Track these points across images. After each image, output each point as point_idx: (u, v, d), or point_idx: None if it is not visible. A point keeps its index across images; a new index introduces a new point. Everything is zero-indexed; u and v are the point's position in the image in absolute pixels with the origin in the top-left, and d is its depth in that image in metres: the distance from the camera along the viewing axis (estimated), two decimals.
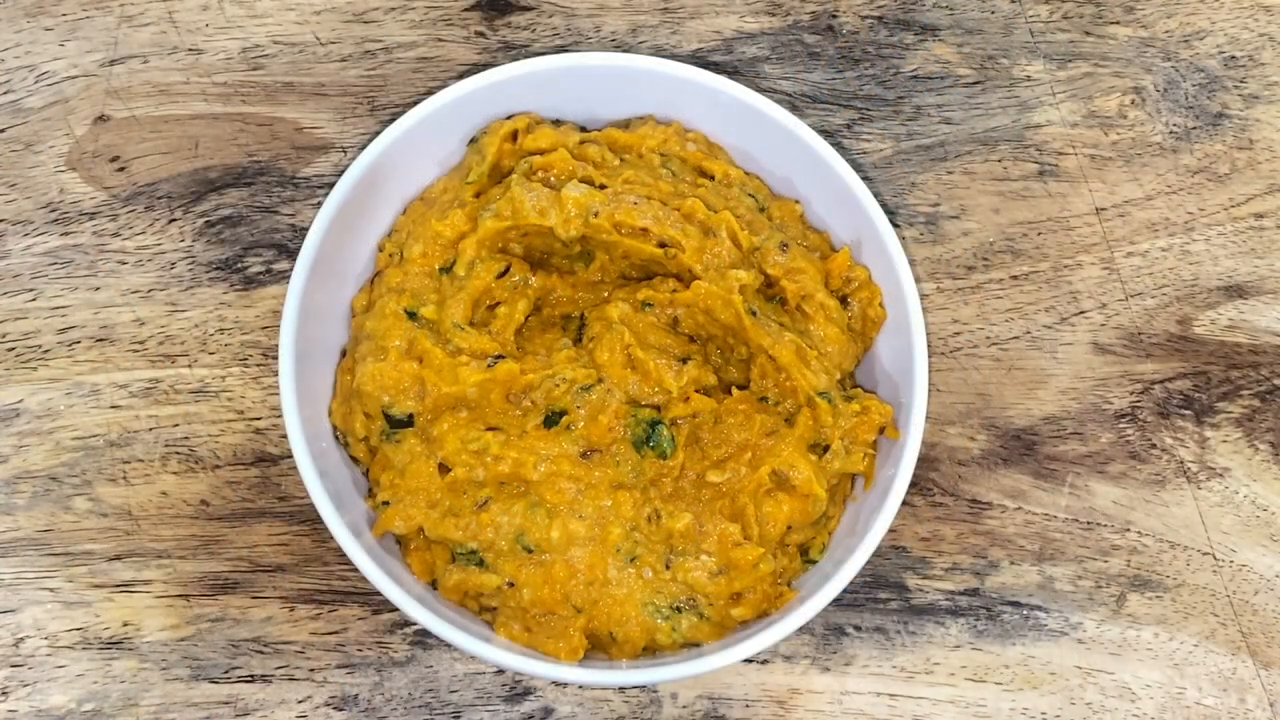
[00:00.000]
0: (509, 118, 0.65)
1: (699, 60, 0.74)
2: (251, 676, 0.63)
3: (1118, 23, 0.77)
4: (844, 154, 0.66)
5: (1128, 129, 0.74)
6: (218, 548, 0.65)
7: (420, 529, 0.59)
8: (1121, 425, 0.69)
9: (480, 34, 0.74)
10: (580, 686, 0.63)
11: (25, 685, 0.62)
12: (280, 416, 0.64)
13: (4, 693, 0.62)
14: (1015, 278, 0.71)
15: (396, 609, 0.60)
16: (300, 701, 0.63)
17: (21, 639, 0.63)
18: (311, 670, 0.63)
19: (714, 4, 0.75)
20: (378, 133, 0.66)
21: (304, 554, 0.65)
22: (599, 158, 0.64)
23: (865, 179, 0.70)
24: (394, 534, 0.60)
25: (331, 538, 0.60)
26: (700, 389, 0.60)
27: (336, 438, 0.62)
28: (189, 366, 0.67)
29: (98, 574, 0.64)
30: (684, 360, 0.60)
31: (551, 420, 0.59)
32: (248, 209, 0.70)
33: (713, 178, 0.65)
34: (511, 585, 0.58)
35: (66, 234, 0.69)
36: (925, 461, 0.68)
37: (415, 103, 0.65)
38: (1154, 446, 0.69)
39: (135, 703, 0.62)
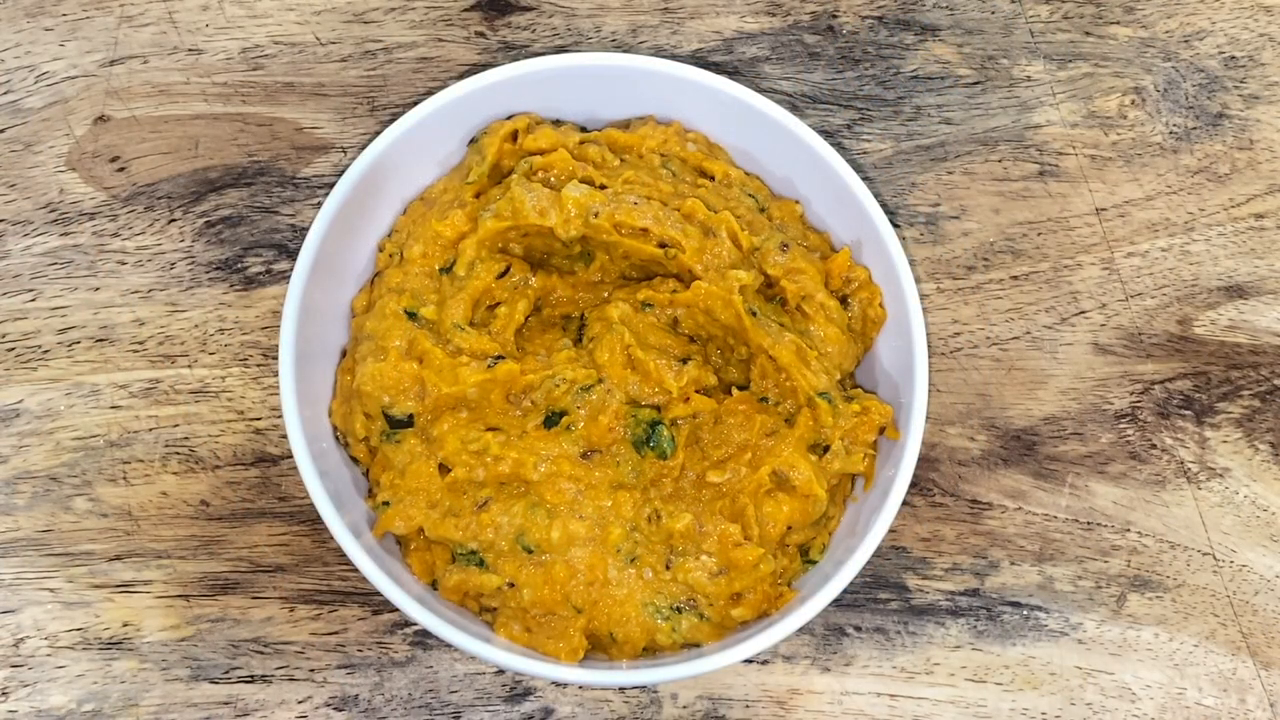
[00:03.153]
0: (509, 118, 0.65)
1: (699, 60, 0.73)
2: (251, 677, 0.63)
3: (1118, 23, 0.76)
4: (844, 154, 0.66)
5: (1128, 129, 0.74)
6: (218, 548, 0.65)
7: (420, 529, 0.59)
8: (1121, 425, 0.69)
9: (480, 34, 0.74)
10: (580, 687, 0.63)
11: (25, 685, 0.62)
12: (280, 416, 0.64)
13: (4, 693, 0.62)
14: (1015, 278, 0.71)
15: (396, 609, 0.60)
16: (300, 702, 0.63)
17: (21, 639, 0.63)
18: (311, 670, 0.63)
19: (714, 4, 0.75)
20: (378, 133, 0.66)
21: (304, 554, 0.65)
22: (599, 158, 0.64)
23: (865, 179, 0.70)
24: (394, 534, 0.60)
25: (331, 538, 0.60)
26: (700, 389, 0.60)
27: (336, 438, 0.62)
28: (189, 367, 0.67)
29: (98, 574, 0.64)
30: (684, 360, 0.60)
31: (551, 420, 0.59)
32: (248, 209, 0.70)
33: (713, 178, 0.65)
34: (512, 585, 0.58)
35: (66, 234, 0.69)
36: (925, 462, 0.68)
37: (415, 103, 0.65)
38: (1154, 447, 0.69)
39: (135, 703, 0.62)
